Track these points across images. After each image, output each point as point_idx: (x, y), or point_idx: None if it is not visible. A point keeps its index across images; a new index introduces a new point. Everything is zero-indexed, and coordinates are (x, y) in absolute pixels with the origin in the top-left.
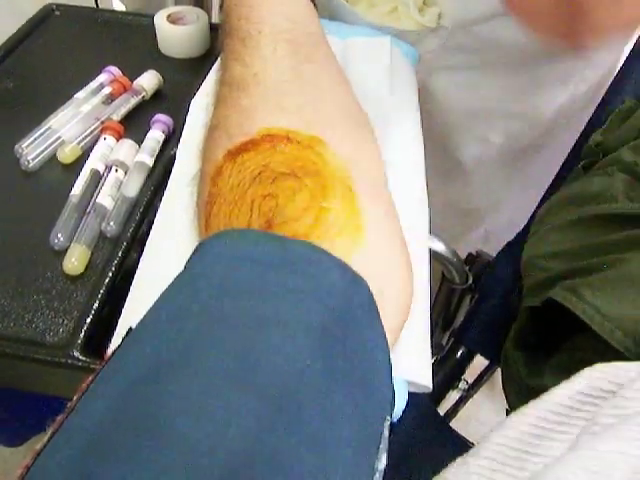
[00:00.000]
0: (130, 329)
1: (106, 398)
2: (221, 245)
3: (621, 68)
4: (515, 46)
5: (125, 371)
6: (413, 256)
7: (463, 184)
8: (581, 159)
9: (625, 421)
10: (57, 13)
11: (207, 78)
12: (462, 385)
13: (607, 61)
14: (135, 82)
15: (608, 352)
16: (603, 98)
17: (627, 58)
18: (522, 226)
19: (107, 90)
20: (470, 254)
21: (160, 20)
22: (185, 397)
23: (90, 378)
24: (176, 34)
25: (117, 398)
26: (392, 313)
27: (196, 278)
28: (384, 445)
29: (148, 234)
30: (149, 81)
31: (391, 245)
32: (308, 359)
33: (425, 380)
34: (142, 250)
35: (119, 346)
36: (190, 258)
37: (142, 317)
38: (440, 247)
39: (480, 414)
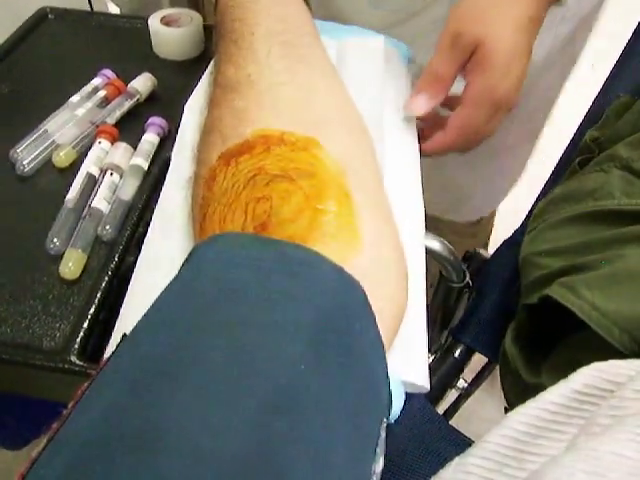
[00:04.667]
0: (124, 335)
1: (101, 406)
2: (215, 249)
3: (616, 63)
4: None
5: (120, 377)
6: (409, 256)
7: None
8: (577, 155)
9: (621, 422)
10: (51, 16)
11: (201, 80)
12: (461, 383)
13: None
14: (130, 85)
15: (606, 349)
16: (598, 94)
17: (622, 53)
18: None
19: (102, 93)
20: (467, 252)
21: (154, 22)
22: (180, 403)
23: (85, 385)
24: (170, 36)
25: (112, 405)
26: (387, 315)
27: (190, 283)
28: (381, 447)
29: (144, 237)
30: (143, 84)
31: (386, 247)
32: (303, 363)
33: (422, 380)
34: (138, 253)
35: (114, 352)
36: (184, 262)
37: (136, 323)
38: (437, 245)
39: (482, 411)
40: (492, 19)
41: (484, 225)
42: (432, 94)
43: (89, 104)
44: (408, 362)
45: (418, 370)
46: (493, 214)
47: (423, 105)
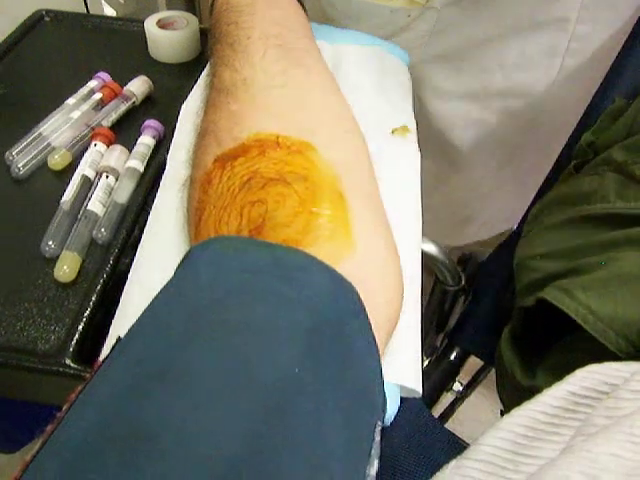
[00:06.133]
0: (119, 338)
1: (95, 409)
2: (210, 252)
3: (611, 67)
4: (500, 17)
5: (114, 381)
6: (404, 260)
7: (460, 171)
8: (572, 159)
9: (617, 423)
10: (47, 19)
11: (197, 83)
12: (457, 386)
13: (595, 37)
14: (125, 88)
15: (601, 352)
16: (594, 97)
17: (617, 57)
18: (519, 217)
19: (97, 96)
20: (463, 255)
21: (150, 25)
22: (174, 407)
23: (79, 388)
24: (166, 39)
25: (106, 409)
26: (382, 318)
27: (185, 286)
28: (376, 450)
29: (140, 240)
30: (139, 87)
31: (381, 250)
32: (297, 366)
33: (414, 384)
34: (134, 256)
35: (108, 355)
36: (179, 265)
37: (131, 326)
38: (432, 249)
39: (477, 414)
40: None
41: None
42: None
43: (85, 107)
44: (401, 365)
45: (411, 374)
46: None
47: None
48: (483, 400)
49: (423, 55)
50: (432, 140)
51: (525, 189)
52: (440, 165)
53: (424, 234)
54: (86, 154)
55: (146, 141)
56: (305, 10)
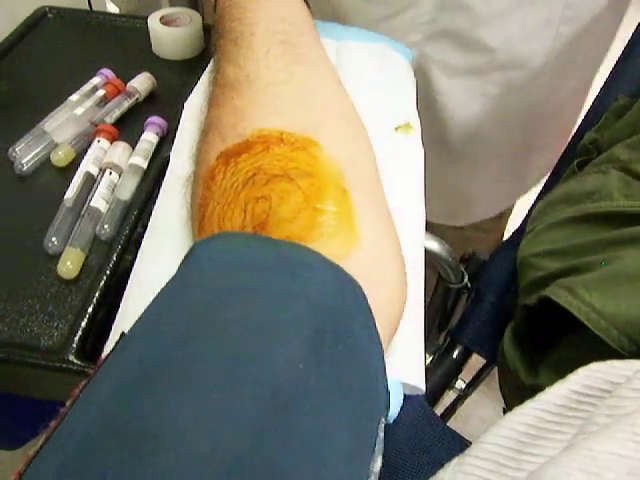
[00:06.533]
0: (123, 334)
1: (98, 404)
2: (214, 249)
3: (615, 65)
4: None
5: (117, 377)
6: (407, 257)
7: (462, 151)
8: (575, 157)
9: (619, 421)
10: (50, 15)
11: (200, 79)
12: (459, 384)
13: (587, 4)
14: (129, 84)
15: (604, 350)
16: (598, 95)
17: (621, 55)
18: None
19: (101, 92)
20: (466, 253)
21: (153, 22)
22: (178, 403)
23: (83, 383)
24: (169, 36)
25: (109, 404)
26: (386, 314)
27: (189, 282)
28: (379, 447)
29: (143, 237)
30: (143, 83)
31: (385, 246)
32: (301, 362)
33: (417, 382)
34: (137, 253)
35: (111, 351)
36: (182, 262)
37: (134, 322)
38: (435, 246)
39: (480, 412)
40: None
41: (504, 220)
42: None
43: (88, 103)
44: (404, 363)
45: (414, 371)
46: (511, 207)
47: None
48: (485, 398)
49: (428, 32)
50: (436, 117)
51: (525, 168)
52: (443, 145)
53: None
54: (89, 151)
55: (149, 138)
56: (309, 6)
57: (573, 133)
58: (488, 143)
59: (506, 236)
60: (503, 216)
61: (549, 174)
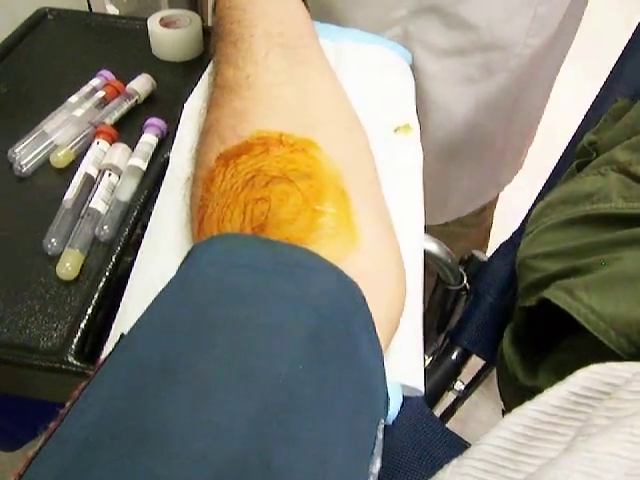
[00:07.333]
0: (122, 335)
1: (98, 406)
2: (213, 250)
3: (614, 67)
4: None
5: (117, 378)
6: (406, 258)
7: (443, 135)
8: (575, 158)
9: (618, 423)
10: (50, 17)
11: (200, 81)
12: (458, 386)
13: None
14: (128, 86)
15: (603, 352)
16: (597, 97)
17: (619, 57)
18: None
19: (100, 94)
20: (465, 254)
21: (153, 24)
22: (177, 404)
23: (82, 385)
24: (169, 38)
25: (109, 406)
26: (385, 316)
27: (188, 284)
28: (378, 448)
29: (142, 238)
30: (142, 85)
31: (384, 248)
32: (301, 364)
33: (416, 383)
34: (136, 254)
35: (111, 352)
36: (182, 263)
37: (134, 323)
38: (434, 248)
39: (478, 413)
40: None
41: (487, 215)
42: None
43: (87, 104)
44: (403, 364)
45: (413, 372)
46: (494, 202)
47: None
48: (484, 400)
49: (413, 7)
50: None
51: (500, 161)
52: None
53: None
54: (89, 152)
55: (149, 139)
56: (308, 8)
57: (573, 134)
58: (467, 132)
59: (499, 233)
60: (485, 210)
61: (549, 174)
